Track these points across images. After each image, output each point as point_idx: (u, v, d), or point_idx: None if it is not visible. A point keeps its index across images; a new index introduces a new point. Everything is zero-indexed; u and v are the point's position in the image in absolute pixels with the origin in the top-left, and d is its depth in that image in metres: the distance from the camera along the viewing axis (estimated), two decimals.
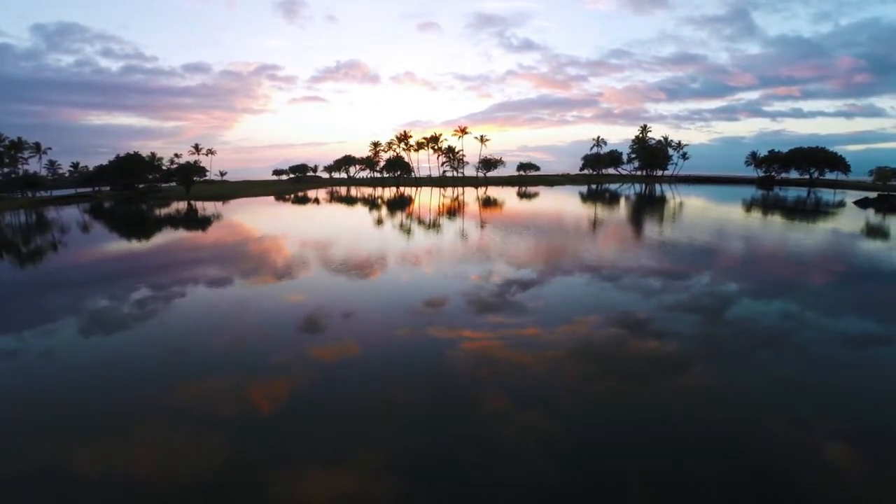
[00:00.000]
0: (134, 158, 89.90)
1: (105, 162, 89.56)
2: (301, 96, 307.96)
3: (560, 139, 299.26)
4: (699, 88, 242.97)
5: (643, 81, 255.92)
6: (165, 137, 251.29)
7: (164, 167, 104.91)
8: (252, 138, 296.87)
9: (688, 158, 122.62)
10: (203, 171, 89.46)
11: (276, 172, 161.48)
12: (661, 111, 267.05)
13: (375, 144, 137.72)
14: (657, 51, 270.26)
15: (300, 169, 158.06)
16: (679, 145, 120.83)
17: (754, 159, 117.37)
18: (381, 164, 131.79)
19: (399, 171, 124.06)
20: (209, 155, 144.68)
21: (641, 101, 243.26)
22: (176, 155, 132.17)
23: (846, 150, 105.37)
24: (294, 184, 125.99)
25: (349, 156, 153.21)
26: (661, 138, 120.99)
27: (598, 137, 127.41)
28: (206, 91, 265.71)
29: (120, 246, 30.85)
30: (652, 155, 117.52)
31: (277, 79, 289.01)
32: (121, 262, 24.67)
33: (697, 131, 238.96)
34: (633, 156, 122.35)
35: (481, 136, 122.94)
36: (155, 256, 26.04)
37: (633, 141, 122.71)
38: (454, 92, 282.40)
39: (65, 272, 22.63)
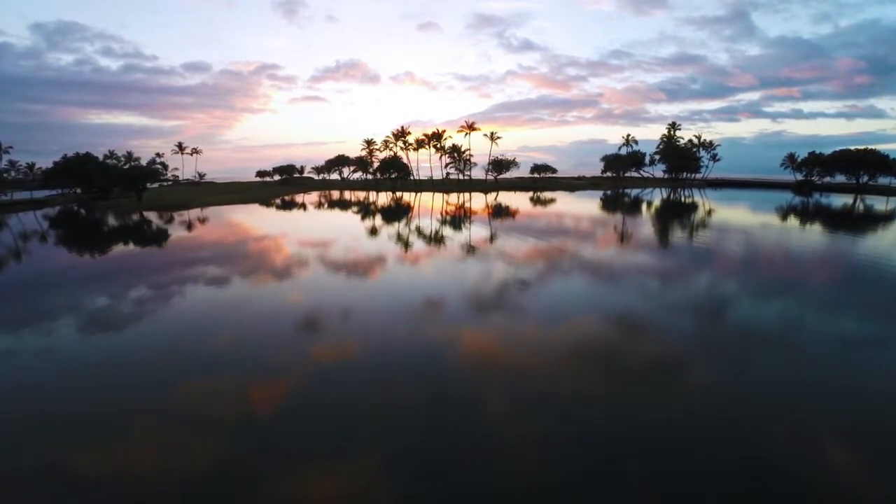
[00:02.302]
0: (83, 159, 75.74)
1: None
2: (301, 96, 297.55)
3: (560, 140, 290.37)
4: (699, 89, 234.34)
5: (643, 82, 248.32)
6: (166, 136, 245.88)
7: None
8: (252, 138, 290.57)
9: (718, 160, 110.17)
10: (157, 174, 74.57)
11: (260, 174, 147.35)
12: (662, 112, 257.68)
13: (369, 143, 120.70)
14: (657, 51, 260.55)
15: (286, 170, 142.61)
16: (710, 145, 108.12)
17: (792, 161, 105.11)
18: (376, 164, 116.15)
19: (396, 173, 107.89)
20: (194, 154, 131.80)
21: (641, 101, 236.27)
22: (157, 154, 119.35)
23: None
24: (278, 186, 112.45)
25: (342, 156, 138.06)
26: (694, 137, 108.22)
27: (629, 136, 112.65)
28: (207, 90, 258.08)
29: None
30: (681, 157, 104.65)
31: (277, 78, 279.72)
32: None
33: (698, 132, 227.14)
34: (658, 157, 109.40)
35: (491, 134, 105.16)
36: None
37: (661, 140, 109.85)
38: (454, 92, 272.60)
39: None
